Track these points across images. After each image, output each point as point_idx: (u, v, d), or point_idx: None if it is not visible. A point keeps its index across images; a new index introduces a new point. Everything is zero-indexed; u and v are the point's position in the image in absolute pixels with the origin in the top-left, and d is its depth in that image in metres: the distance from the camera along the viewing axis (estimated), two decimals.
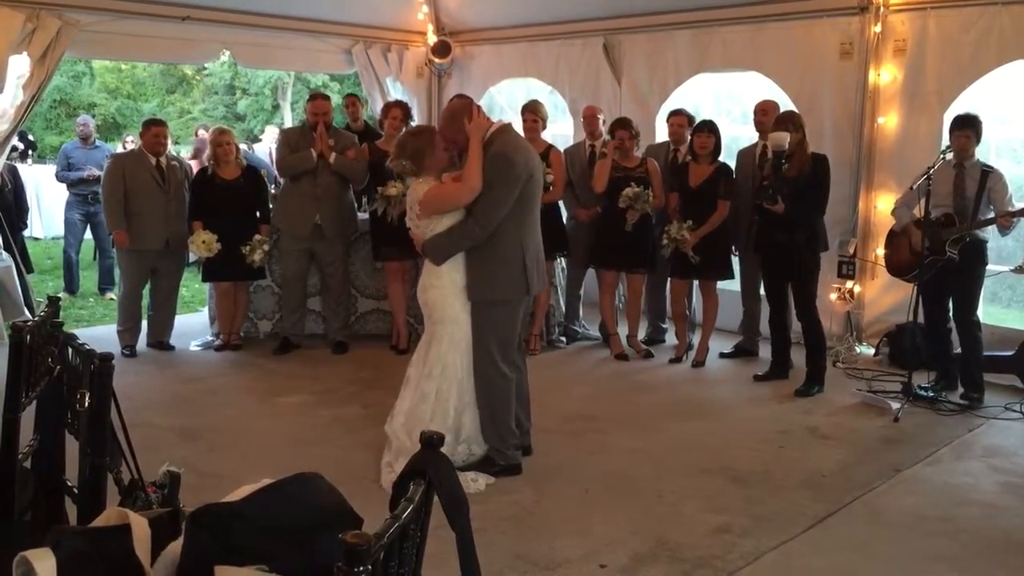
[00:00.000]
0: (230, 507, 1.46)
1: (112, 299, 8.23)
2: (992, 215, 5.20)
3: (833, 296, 6.53)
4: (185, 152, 11.29)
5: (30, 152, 13.28)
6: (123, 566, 1.45)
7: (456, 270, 4.13)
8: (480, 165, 3.98)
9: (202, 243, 6.11)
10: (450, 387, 4.17)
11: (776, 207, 5.45)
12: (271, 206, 6.57)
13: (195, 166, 7.89)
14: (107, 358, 2.03)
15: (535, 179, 4.15)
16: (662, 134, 7.12)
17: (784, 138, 5.35)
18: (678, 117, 6.54)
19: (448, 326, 4.16)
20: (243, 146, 9.23)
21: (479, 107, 4.27)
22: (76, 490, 2.18)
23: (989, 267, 5.46)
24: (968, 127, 5.26)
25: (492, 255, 4.08)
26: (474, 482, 4.03)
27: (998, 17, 5.74)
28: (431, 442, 1.51)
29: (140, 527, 1.50)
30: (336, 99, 13.24)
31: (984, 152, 5.72)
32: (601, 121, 6.75)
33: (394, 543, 1.30)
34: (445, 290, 4.14)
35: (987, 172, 5.26)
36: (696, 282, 6.48)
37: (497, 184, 3.97)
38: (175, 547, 1.48)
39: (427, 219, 4.11)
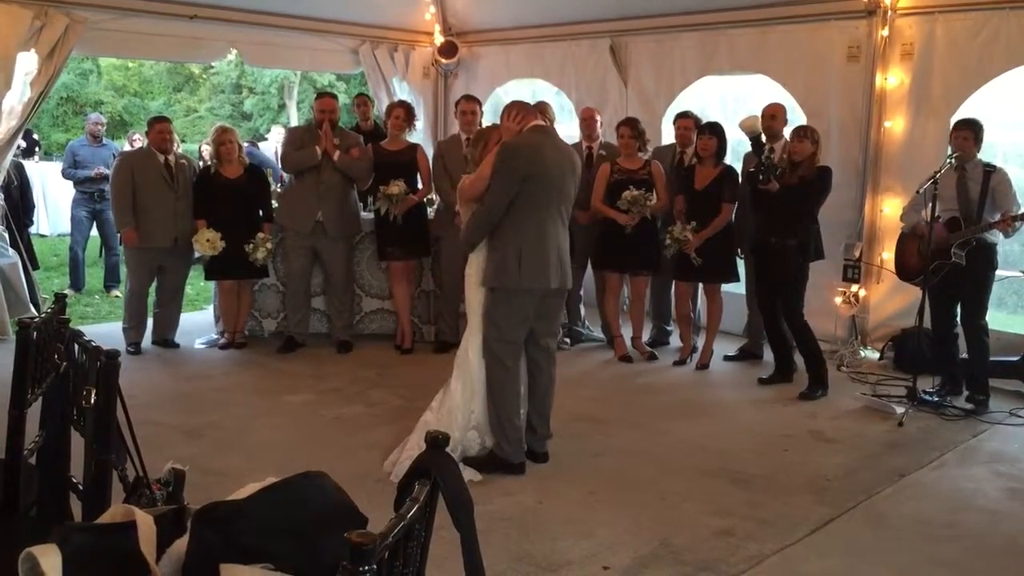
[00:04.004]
0: (235, 505, 1.46)
1: (117, 296, 8.25)
2: (998, 216, 5.18)
3: (838, 300, 6.52)
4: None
5: (36, 149, 13.27)
6: (128, 563, 1.45)
7: (479, 261, 4.30)
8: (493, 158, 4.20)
9: (206, 241, 6.11)
10: (466, 375, 4.32)
11: (770, 185, 5.48)
12: (275, 204, 6.59)
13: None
14: (114, 355, 2.03)
15: (542, 179, 4.13)
16: (668, 136, 7.11)
17: (755, 121, 5.59)
18: (685, 120, 6.50)
19: (473, 318, 4.36)
20: (245, 144, 9.21)
21: (525, 108, 4.37)
22: (81, 487, 2.18)
23: (997, 272, 5.43)
24: (967, 128, 5.25)
25: (491, 244, 4.25)
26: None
27: (1006, 22, 5.73)
28: (436, 443, 1.51)
29: (146, 524, 1.50)
30: (344, 99, 13.24)
31: (991, 157, 5.70)
32: (599, 123, 6.74)
33: (399, 543, 1.30)
34: (471, 280, 4.35)
35: (989, 172, 5.23)
36: (700, 285, 6.48)
37: (495, 172, 4.16)
38: (180, 545, 1.48)
39: (466, 208, 4.35)
